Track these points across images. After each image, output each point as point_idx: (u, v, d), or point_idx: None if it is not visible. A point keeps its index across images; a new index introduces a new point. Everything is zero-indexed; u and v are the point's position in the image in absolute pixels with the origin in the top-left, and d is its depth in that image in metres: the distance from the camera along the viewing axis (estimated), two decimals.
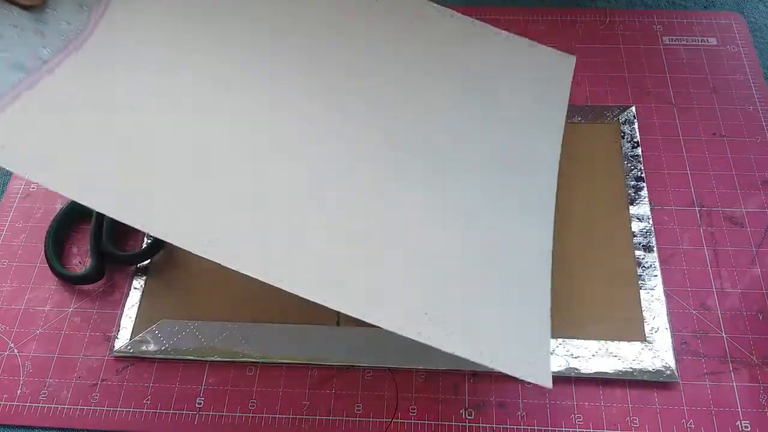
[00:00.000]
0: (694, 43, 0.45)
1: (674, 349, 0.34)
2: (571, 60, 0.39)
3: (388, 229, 0.31)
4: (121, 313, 0.36)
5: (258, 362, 0.34)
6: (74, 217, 0.39)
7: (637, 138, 0.41)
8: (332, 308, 0.27)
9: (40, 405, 0.33)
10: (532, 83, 0.38)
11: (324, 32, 0.38)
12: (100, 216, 0.38)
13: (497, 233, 0.32)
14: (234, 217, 0.29)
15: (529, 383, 0.31)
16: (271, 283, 0.28)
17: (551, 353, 0.33)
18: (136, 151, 0.31)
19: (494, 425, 0.32)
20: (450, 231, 0.32)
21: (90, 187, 0.28)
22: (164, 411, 0.33)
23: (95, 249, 0.37)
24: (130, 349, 0.35)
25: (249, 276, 0.28)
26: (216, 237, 0.28)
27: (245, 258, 0.28)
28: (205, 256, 0.27)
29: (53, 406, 0.33)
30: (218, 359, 0.34)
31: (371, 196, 0.32)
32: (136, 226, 0.27)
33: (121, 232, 0.39)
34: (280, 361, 0.34)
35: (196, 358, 0.34)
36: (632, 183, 0.39)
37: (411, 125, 0.35)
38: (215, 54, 0.35)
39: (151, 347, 0.35)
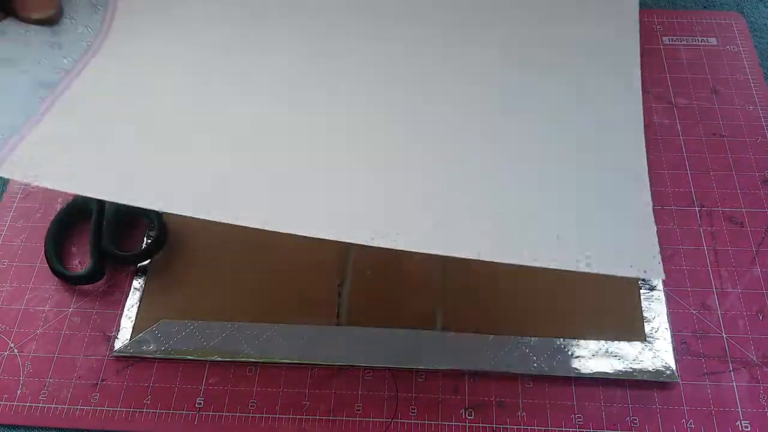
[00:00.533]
0: (694, 43, 0.45)
1: (674, 349, 0.34)
2: None
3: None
4: (121, 313, 0.36)
5: (258, 362, 0.34)
6: (74, 217, 0.39)
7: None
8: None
9: (40, 405, 0.33)
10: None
11: None
12: (101, 216, 0.38)
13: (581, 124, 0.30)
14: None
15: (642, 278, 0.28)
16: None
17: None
18: (170, 146, 0.29)
19: (494, 425, 0.32)
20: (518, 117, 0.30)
21: (131, 187, 0.27)
22: (164, 411, 0.33)
23: (95, 249, 0.37)
24: (130, 349, 0.35)
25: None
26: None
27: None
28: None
29: (53, 406, 0.33)
30: (218, 359, 0.34)
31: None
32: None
33: (121, 232, 0.39)
34: (280, 361, 0.34)
35: (196, 358, 0.34)
36: None
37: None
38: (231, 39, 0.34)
39: (151, 347, 0.35)
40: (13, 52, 0.32)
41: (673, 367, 0.33)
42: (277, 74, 0.33)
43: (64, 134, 0.29)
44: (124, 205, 0.30)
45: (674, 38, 0.45)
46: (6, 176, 0.28)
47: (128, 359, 0.35)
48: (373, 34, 0.34)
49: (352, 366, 0.34)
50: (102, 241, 0.37)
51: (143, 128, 0.30)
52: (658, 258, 0.25)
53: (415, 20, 0.35)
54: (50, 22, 0.33)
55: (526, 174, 0.29)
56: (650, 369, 0.33)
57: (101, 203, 0.38)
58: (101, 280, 0.37)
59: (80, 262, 0.38)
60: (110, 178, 0.28)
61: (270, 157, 0.29)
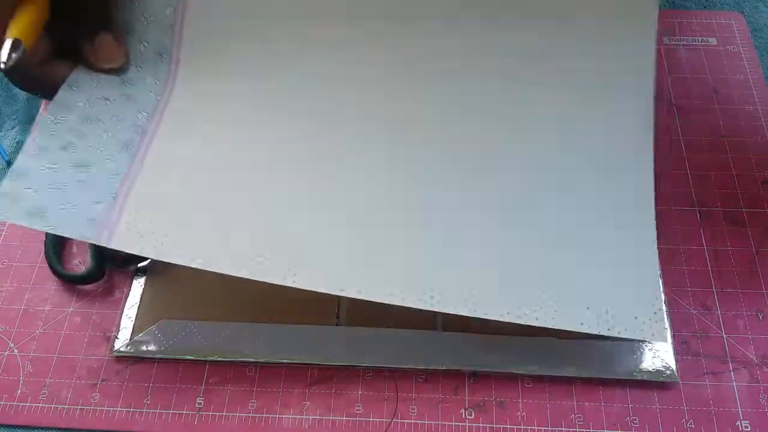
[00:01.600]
0: (694, 43, 0.45)
1: (674, 349, 0.34)
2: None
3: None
4: (121, 313, 0.36)
5: (258, 362, 0.34)
6: None
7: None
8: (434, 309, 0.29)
9: (40, 405, 0.33)
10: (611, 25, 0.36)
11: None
12: None
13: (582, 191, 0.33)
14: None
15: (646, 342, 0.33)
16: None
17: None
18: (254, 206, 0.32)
19: (494, 425, 0.32)
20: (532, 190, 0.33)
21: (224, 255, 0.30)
22: (164, 411, 0.33)
23: (95, 249, 0.37)
24: (130, 349, 0.35)
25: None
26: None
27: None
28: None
29: (53, 406, 0.33)
30: (218, 359, 0.34)
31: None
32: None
33: None
34: (280, 360, 0.34)
35: (196, 358, 0.34)
36: None
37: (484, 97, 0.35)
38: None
39: (151, 347, 0.34)
40: (95, 109, 0.34)
41: (673, 367, 0.33)
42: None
43: (156, 205, 0.32)
44: None
45: (674, 38, 0.45)
46: (117, 248, 0.31)
47: (128, 359, 0.35)
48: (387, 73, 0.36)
49: (352, 366, 0.34)
50: None
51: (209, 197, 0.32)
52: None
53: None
54: (119, 70, 0.35)
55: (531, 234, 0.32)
56: (650, 369, 0.33)
57: None
58: (101, 280, 0.37)
59: (80, 261, 0.38)
60: (203, 250, 0.31)
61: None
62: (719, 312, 0.35)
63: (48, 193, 0.31)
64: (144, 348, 0.35)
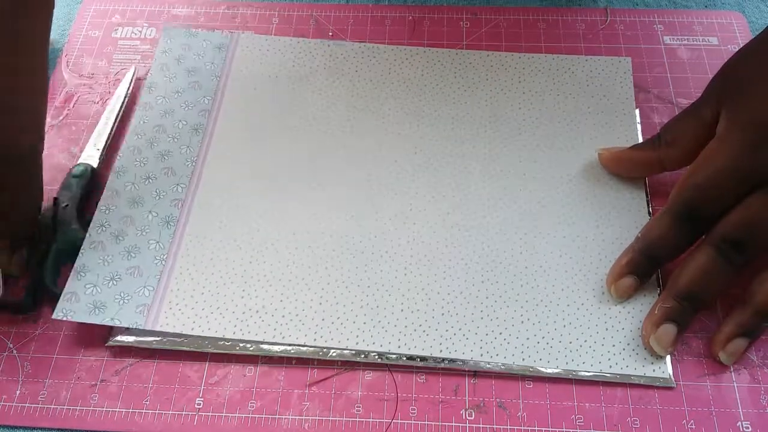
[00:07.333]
0: (695, 42, 0.45)
1: (673, 354, 0.33)
2: (627, 61, 0.43)
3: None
4: None
5: (257, 355, 0.34)
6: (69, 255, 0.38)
7: (639, 138, 0.41)
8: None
9: (39, 406, 0.33)
10: (595, 93, 0.42)
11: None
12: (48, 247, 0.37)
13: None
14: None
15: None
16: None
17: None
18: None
19: (494, 425, 0.32)
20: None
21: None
22: (164, 411, 0.33)
23: (32, 282, 0.36)
24: (127, 339, 0.34)
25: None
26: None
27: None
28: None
29: (52, 406, 0.33)
30: (215, 351, 0.34)
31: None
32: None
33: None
34: (278, 354, 0.34)
35: (193, 349, 0.34)
36: None
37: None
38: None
39: (149, 338, 0.34)
40: (140, 190, 0.38)
41: (670, 371, 0.33)
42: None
43: (187, 293, 0.35)
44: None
45: (675, 38, 0.45)
46: (164, 330, 0.34)
47: (127, 354, 0.34)
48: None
49: (352, 366, 0.34)
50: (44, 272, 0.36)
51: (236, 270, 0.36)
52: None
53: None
54: None
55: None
56: (649, 373, 0.33)
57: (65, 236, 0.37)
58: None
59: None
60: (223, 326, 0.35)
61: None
62: (719, 312, 0.35)
63: (105, 287, 0.35)
64: (142, 338, 0.34)
